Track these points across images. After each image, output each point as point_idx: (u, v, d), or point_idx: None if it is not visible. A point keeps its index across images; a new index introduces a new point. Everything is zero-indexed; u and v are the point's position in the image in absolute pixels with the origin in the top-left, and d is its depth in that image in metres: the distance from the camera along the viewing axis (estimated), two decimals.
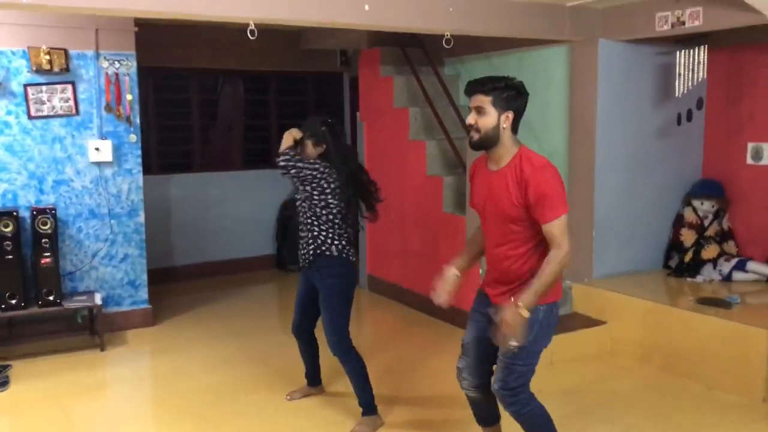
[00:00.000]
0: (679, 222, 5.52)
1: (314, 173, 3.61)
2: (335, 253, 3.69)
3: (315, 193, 3.65)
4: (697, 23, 4.37)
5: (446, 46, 4.52)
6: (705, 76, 4.89)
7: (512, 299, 2.72)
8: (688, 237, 5.42)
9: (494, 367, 2.99)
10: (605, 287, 5.05)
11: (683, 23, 4.44)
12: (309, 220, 3.71)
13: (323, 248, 3.69)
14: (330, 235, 3.69)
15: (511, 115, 2.80)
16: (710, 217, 5.42)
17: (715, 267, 5.20)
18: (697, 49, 4.84)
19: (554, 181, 2.72)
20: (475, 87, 2.82)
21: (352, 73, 7.94)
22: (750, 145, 5.34)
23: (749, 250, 5.32)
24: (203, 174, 7.48)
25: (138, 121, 5.52)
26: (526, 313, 2.67)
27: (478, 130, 2.80)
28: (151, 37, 6.36)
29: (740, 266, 5.10)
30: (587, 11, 4.94)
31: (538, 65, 5.70)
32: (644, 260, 5.51)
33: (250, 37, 3.84)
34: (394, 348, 5.16)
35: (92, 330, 5.33)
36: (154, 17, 6.16)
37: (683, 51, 4.90)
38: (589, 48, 5.10)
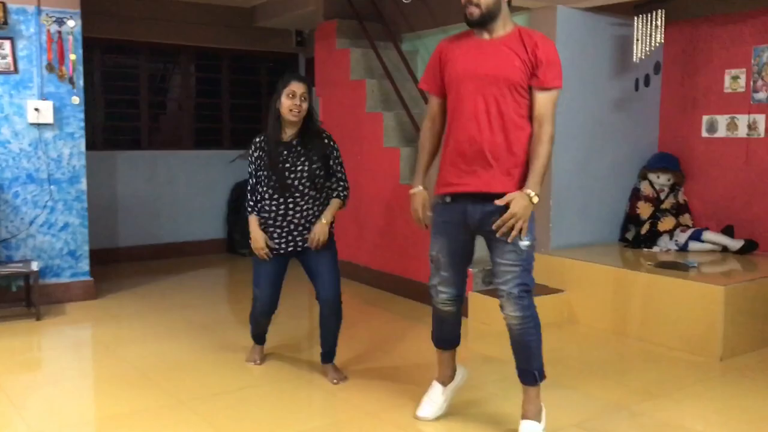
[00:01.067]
0: (635, 195, 5.50)
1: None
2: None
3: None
4: None
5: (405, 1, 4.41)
6: (662, 41, 4.88)
7: (522, 190, 2.65)
8: (644, 210, 5.40)
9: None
10: (562, 256, 4.98)
11: None
12: (307, 199, 3.51)
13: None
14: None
15: None
16: (666, 190, 5.42)
17: (671, 238, 5.19)
18: (654, 14, 4.83)
19: (557, 54, 2.71)
20: None
21: (307, 54, 7.82)
22: (705, 118, 5.36)
23: (705, 223, 5.34)
24: (152, 152, 7.22)
25: (81, 83, 5.27)
26: (536, 200, 2.64)
27: (478, 5, 2.67)
28: (99, 7, 6.17)
29: (696, 236, 5.10)
30: None
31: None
32: (601, 233, 5.47)
33: None
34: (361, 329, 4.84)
35: (28, 301, 5.02)
36: None
37: (640, 16, 4.89)
38: (547, 15, 5.05)
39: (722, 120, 5.25)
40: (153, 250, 7.18)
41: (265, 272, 3.63)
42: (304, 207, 3.49)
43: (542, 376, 2.87)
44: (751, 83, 5.06)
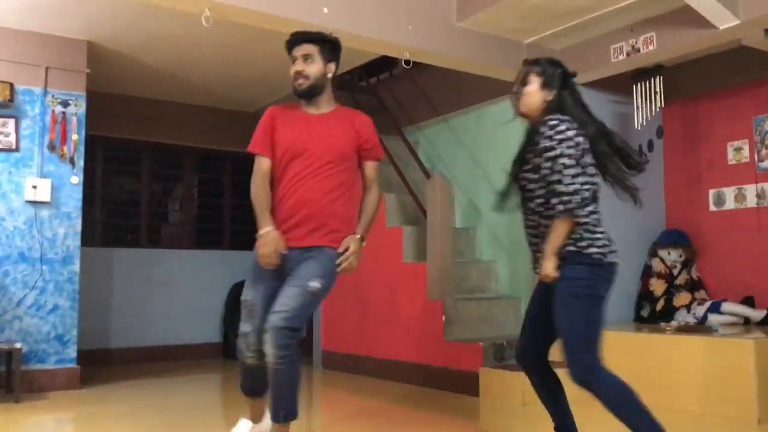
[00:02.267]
0: (647, 273, 5.32)
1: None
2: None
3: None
4: (651, 48, 4.43)
5: (405, 66, 4.48)
6: (662, 105, 4.91)
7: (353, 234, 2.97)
8: (658, 287, 5.20)
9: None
10: None
11: (638, 50, 4.50)
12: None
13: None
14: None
15: (333, 66, 3.00)
16: (678, 266, 5.25)
17: (689, 312, 4.95)
18: (652, 80, 4.89)
19: (374, 130, 3.08)
20: (304, 36, 2.97)
21: None
22: (711, 192, 5.29)
23: (721, 297, 5.10)
24: (150, 251, 7.09)
25: (82, 163, 5.26)
26: (363, 243, 3.01)
27: (307, 77, 2.92)
28: (104, 106, 6.31)
29: (715, 308, 4.86)
30: (544, 51, 4.99)
31: (496, 118, 5.68)
32: (615, 312, 5.19)
33: (205, 24, 3.67)
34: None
35: (8, 387, 4.71)
36: (106, 89, 6.23)
37: (639, 84, 4.95)
38: None
39: (729, 192, 5.18)
40: (145, 353, 6.87)
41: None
42: None
43: (288, 417, 2.82)
44: (755, 153, 5.04)
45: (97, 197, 6.84)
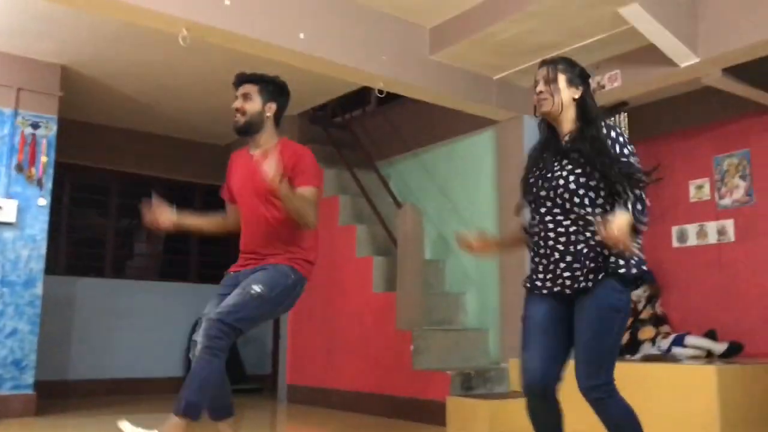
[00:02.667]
0: None
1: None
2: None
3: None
4: (616, 84, 4.60)
5: (379, 95, 4.57)
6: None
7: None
8: None
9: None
10: None
11: (603, 87, 4.66)
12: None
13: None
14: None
15: (274, 106, 3.15)
16: (643, 301, 5.32)
17: (653, 344, 5.01)
18: (617, 117, 5.05)
19: (313, 162, 3.11)
20: (244, 77, 3.16)
21: None
22: (674, 229, 5.42)
23: (685, 331, 5.18)
24: (115, 281, 6.98)
25: (50, 186, 5.22)
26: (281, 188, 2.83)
27: (244, 113, 3.10)
28: (75, 134, 6.29)
29: (678, 341, 4.92)
30: (512, 88, 5.15)
31: (466, 153, 5.81)
32: None
33: (182, 44, 3.71)
34: None
35: None
36: (78, 117, 6.23)
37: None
38: (514, 125, 5.25)
39: (692, 229, 5.31)
40: (106, 385, 6.68)
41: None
42: None
43: (187, 413, 2.74)
44: (716, 191, 5.19)
45: (62, 225, 6.75)
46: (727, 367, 3.91)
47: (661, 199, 5.51)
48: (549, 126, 2.62)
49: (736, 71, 4.40)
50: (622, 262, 2.38)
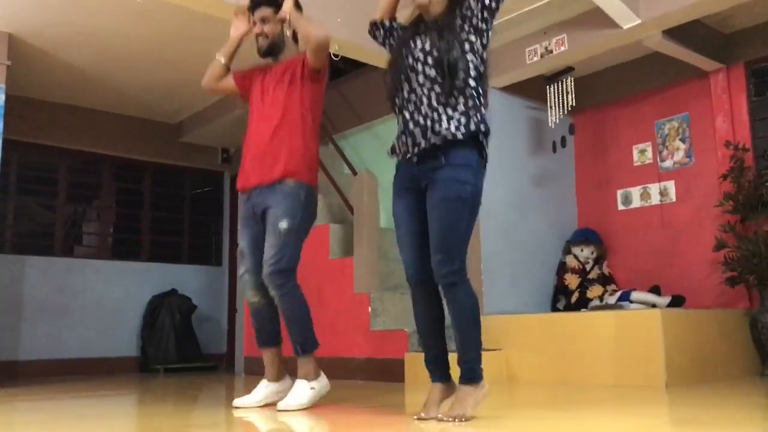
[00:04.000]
0: (562, 269, 5.58)
1: None
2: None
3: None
4: (563, 49, 4.76)
5: (334, 59, 4.63)
6: (573, 103, 5.23)
7: None
8: (572, 281, 5.46)
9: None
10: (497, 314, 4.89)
11: (551, 51, 4.83)
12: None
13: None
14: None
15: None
16: (591, 262, 5.54)
17: (601, 302, 5.21)
18: (564, 81, 5.23)
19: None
20: (261, 0, 3.28)
21: (233, 171, 7.90)
22: (619, 192, 5.64)
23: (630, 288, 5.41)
24: (65, 259, 6.87)
25: (0, 155, 5.11)
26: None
27: (266, 36, 3.26)
28: (22, 111, 6.18)
29: (625, 297, 5.13)
30: None
31: None
32: (532, 303, 5.44)
33: (138, 0, 3.71)
34: None
35: None
36: (25, 93, 6.12)
37: (552, 85, 5.28)
38: None
39: (635, 191, 5.54)
40: (57, 366, 6.58)
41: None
42: None
43: (305, 349, 3.15)
44: (658, 154, 5.43)
45: (9, 203, 6.61)
46: (671, 312, 4.12)
47: (607, 165, 5.74)
48: None
49: (676, 34, 4.62)
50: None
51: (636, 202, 5.53)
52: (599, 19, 4.46)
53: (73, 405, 3.99)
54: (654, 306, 5.07)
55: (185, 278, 7.50)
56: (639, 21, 4.32)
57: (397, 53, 2.73)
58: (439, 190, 2.54)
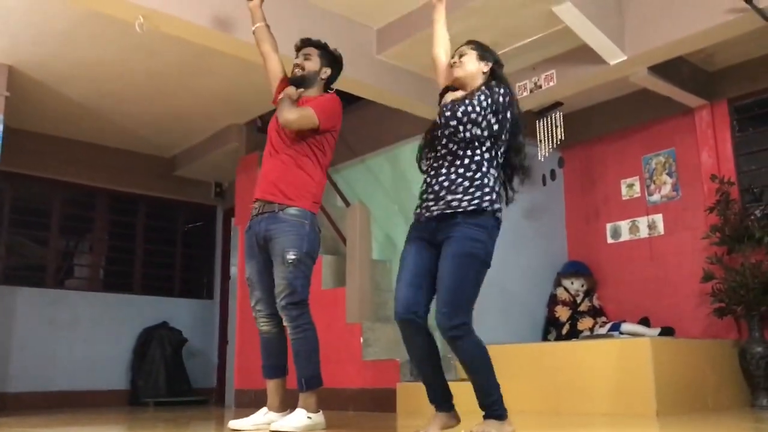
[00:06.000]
0: (552, 301, 5.63)
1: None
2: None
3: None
4: (552, 84, 4.89)
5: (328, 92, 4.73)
6: (563, 137, 5.33)
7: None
8: (563, 313, 5.50)
9: None
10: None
11: (540, 86, 4.95)
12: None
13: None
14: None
15: (329, 71, 3.56)
16: (581, 294, 5.59)
17: (592, 333, 5.25)
18: (553, 116, 5.34)
19: (327, 101, 3.44)
20: (309, 41, 3.57)
21: (226, 206, 7.95)
22: (608, 226, 5.72)
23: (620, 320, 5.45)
24: (56, 291, 6.86)
25: None
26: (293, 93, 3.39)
27: (303, 69, 3.49)
28: (19, 143, 6.24)
29: (615, 328, 5.17)
30: None
31: (411, 156, 5.94)
32: (523, 335, 5.47)
33: (138, 31, 3.81)
34: None
35: None
36: (22, 125, 6.20)
37: (541, 119, 5.39)
38: None
39: (624, 225, 5.63)
40: (46, 398, 6.53)
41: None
42: None
43: (310, 385, 3.23)
44: (645, 188, 5.53)
45: (2, 234, 6.63)
46: (661, 341, 4.16)
47: (595, 199, 5.83)
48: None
49: (662, 71, 4.75)
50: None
51: (625, 235, 5.61)
52: (587, 55, 4.59)
53: None
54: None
55: (176, 311, 7.49)
56: (625, 57, 4.44)
57: (436, 120, 2.87)
58: (452, 246, 2.68)
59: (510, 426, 2.72)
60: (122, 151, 7.32)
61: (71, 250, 7.37)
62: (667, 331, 5.05)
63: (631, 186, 5.62)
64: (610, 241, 5.70)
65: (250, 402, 6.06)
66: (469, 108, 2.70)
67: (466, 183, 2.70)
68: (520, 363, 4.63)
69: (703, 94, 5.18)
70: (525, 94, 5.05)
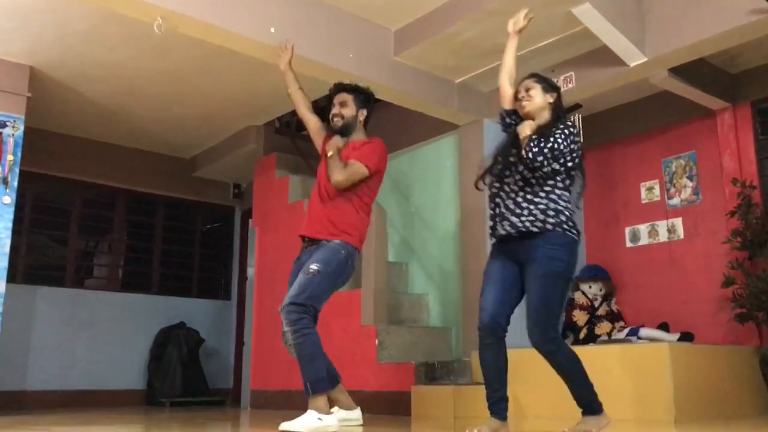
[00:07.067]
0: (570, 305, 5.57)
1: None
2: None
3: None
4: (571, 86, 4.84)
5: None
6: (582, 140, 5.26)
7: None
8: (580, 318, 5.45)
9: None
10: None
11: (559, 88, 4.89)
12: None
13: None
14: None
15: (365, 112, 3.73)
16: (599, 299, 5.53)
17: (609, 338, 5.19)
18: (572, 118, 5.28)
19: (374, 148, 3.61)
20: (342, 87, 3.74)
21: (244, 207, 7.98)
22: (627, 229, 5.66)
23: (639, 325, 5.38)
24: (75, 291, 6.92)
25: (16, 184, 5.21)
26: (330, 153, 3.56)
27: (342, 117, 3.65)
28: (40, 144, 6.31)
29: (633, 333, 5.10)
30: (473, 92, 5.38)
31: (428, 158, 6.00)
32: None
33: (157, 32, 3.83)
34: None
35: None
36: (43, 126, 6.27)
37: None
38: (474, 130, 5.46)
39: (643, 229, 5.56)
40: (64, 397, 6.59)
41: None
42: None
43: (315, 389, 3.30)
44: (665, 191, 5.46)
45: (23, 233, 6.69)
46: (680, 346, 4.10)
47: (615, 202, 5.77)
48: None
49: (682, 73, 4.69)
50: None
51: (644, 240, 5.54)
52: (606, 57, 4.54)
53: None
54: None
55: (194, 312, 7.52)
56: (645, 59, 4.39)
57: (507, 145, 3.14)
58: (536, 267, 2.92)
59: (606, 418, 3.05)
60: (141, 151, 7.37)
61: (90, 250, 7.42)
62: (686, 337, 4.97)
63: (650, 189, 5.56)
64: (629, 245, 5.63)
65: (266, 403, 6.07)
66: (555, 146, 2.92)
67: (542, 206, 2.96)
68: (537, 367, 4.56)
69: (724, 97, 5.11)
70: None
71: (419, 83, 5.03)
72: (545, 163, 2.92)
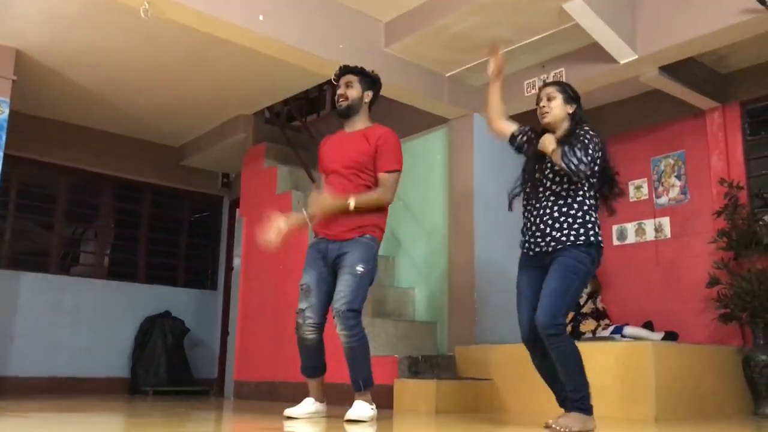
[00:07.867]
0: None
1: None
2: None
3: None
4: None
5: (334, 83, 4.69)
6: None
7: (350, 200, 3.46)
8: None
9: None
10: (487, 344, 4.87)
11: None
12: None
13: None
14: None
15: (370, 94, 3.71)
16: (585, 296, 5.53)
17: (594, 336, 5.19)
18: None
19: (396, 145, 3.62)
20: (348, 69, 3.72)
21: (232, 196, 7.93)
22: (614, 228, 5.65)
23: (623, 323, 5.38)
24: (60, 277, 6.87)
25: (0, 168, 5.15)
26: (353, 205, 3.44)
27: (346, 99, 3.64)
28: (25, 128, 6.24)
29: (617, 331, 5.10)
30: (464, 86, 5.35)
31: (418, 151, 5.97)
32: None
33: (143, 16, 3.78)
34: None
35: None
36: (28, 110, 6.21)
37: None
38: (465, 123, 5.44)
39: (631, 227, 5.56)
40: (47, 383, 6.54)
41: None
42: None
43: (367, 385, 3.55)
44: (653, 190, 5.46)
45: (8, 218, 6.64)
46: (663, 345, 4.11)
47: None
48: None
49: (673, 72, 4.68)
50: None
51: (631, 238, 5.54)
52: (597, 53, 4.53)
53: (60, 421, 3.94)
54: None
55: (179, 301, 7.49)
56: (636, 56, 4.38)
57: (532, 164, 3.30)
58: (559, 262, 3.05)
59: (593, 423, 3.06)
60: (130, 138, 7.32)
61: (76, 237, 7.37)
62: (670, 336, 4.98)
63: (639, 188, 5.56)
64: (615, 243, 5.63)
65: (250, 394, 6.05)
66: (588, 151, 3.02)
67: (570, 219, 3.07)
68: (519, 363, 4.57)
69: (714, 96, 5.11)
70: (533, 91, 4.99)
71: (409, 76, 5.01)
72: (587, 170, 3.00)
